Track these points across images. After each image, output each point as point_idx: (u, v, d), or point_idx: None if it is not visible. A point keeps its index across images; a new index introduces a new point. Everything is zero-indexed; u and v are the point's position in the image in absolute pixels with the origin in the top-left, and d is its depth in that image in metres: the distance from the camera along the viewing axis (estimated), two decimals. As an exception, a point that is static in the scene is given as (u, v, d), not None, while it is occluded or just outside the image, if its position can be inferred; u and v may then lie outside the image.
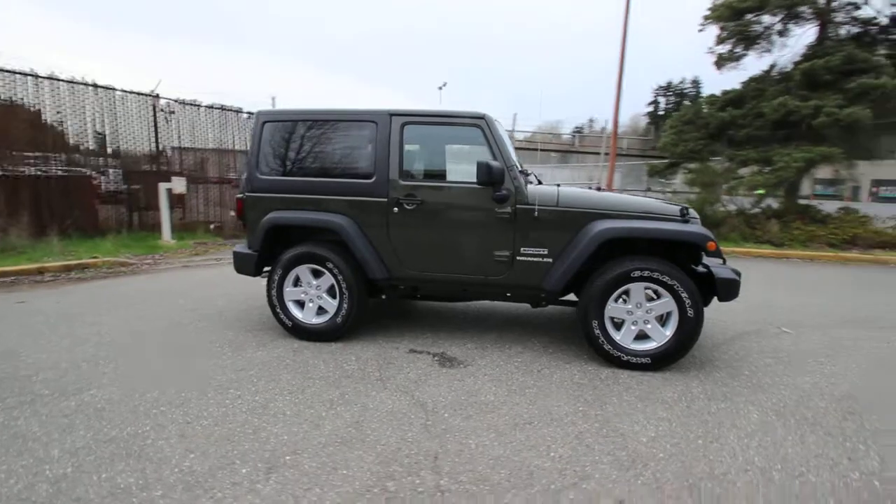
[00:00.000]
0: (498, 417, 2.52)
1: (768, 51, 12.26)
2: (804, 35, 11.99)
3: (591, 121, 68.44)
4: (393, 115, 3.43)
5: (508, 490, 1.92)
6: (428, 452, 2.17)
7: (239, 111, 10.19)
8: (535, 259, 3.30)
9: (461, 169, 3.51)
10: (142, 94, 8.62)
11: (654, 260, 3.10)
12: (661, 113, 60.76)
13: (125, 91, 8.37)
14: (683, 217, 3.23)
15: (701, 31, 12.80)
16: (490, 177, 3.13)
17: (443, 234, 3.42)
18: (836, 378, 3.15)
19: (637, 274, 3.07)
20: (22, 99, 7.13)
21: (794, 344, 3.82)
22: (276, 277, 3.57)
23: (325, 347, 3.48)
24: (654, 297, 3.15)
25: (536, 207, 3.26)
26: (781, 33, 12.04)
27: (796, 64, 11.09)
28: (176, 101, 9.14)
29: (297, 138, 3.63)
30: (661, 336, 3.12)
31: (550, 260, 3.29)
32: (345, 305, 3.49)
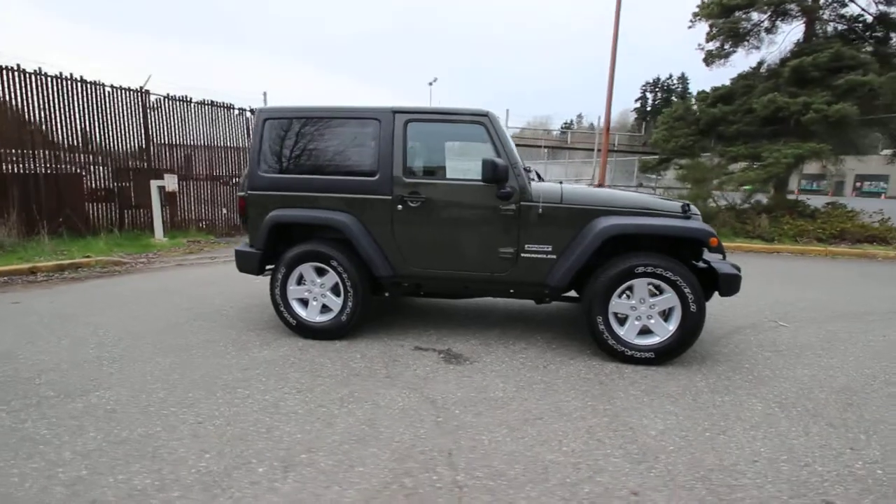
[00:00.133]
0: (508, 413, 2.54)
1: (756, 48, 12.44)
2: (791, 32, 12.20)
3: (579, 117, 68.83)
4: (396, 112, 3.42)
5: (525, 484, 1.95)
6: (442, 449, 2.19)
7: (230, 107, 10.07)
8: (540, 256, 3.33)
9: (465, 166, 3.52)
10: (131, 90, 8.48)
11: (658, 256, 3.14)
12: (648, 109, 61.34)
13: (114, 87, 8.22)
14: (685, 213, 3.28)
15: (690, 27, 12.94)
16: (495, 174, 3.14)
17: (447, 231, 3.43)
18: (833, 370, 3.22)
19: (641, 270, 3.11)
20: (9, 95, 6.97)
21: (792, 337, 3.90)
22: (280, 276, 3.55)
23: (330, 345, 3.48)
24: (657, 292, 3.19)
25: (540, 204, 3.28)
26: (769, 30, 12.21)
27: (785, 61, 11.25)
28: (166, 97, 9.01)
29: (299, 136, 3.61)
30: (665, 331, 3.17)
31: (554, 256, 3.31)
32: (350, 303, 3.49)
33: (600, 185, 5.90)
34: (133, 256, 6.96)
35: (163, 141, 9.09)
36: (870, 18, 11.46)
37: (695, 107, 12.67)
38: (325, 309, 3.60)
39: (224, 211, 10.11)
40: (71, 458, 2.06)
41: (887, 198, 34.51)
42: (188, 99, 9.33)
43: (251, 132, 4.38)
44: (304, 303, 3.63)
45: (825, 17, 11.78)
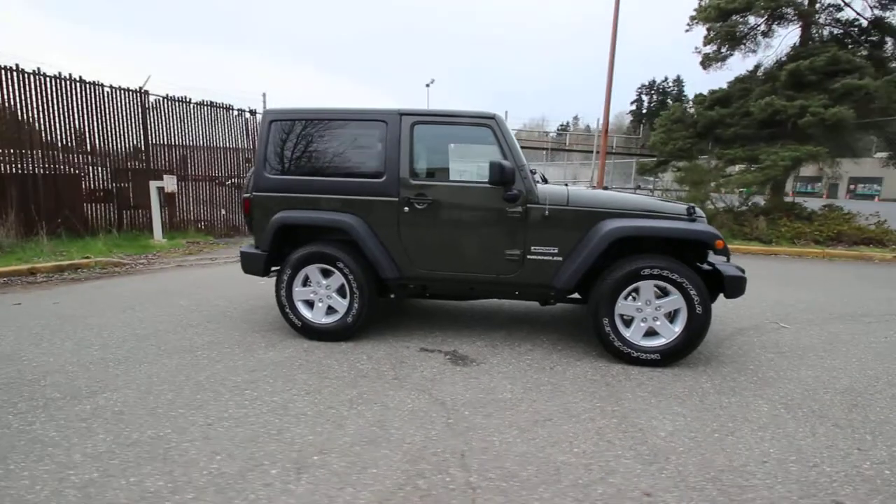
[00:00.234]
0: (517, 415, 2.55)
1: (753, 51, 12.55)
2: (788, 36, 12.30)
3: (576, 118, 69.04)
4: (403, 114, 3.43)
5: (538, 485, 1.96)
6: (454, 450, 2.19)
7: (229, 108, 10.05)
8: (546, 258, 3.34)
9: (471, 168, 3.53)
10: (130, 90, 8.45)
11: (664, 258, 3.16)
12: (644, 111, 61.63)
13: (113, 87, 8.19)
14: (690, 216, 3.30)
15: (688, 31, 13.03)
16: (502, 176, 3.15)
17: (454, 233, 3.43)
18: (836, 372, 3.25)
19: (647, 272, 3.13)
20: (7, 95, 6.93)
21: (794, 339, 3.93)
22: (286, 277, 3.55)
23: (336, 347, 3.48)
24: (663, 294, 3.21)
25: (547, 207, 3.29)
26: (766, 34, 12.32)
27: (782, 64, 11.34)
28: (165, 97, 8.98)
29: (305, 137, 3.61)
30: (671, 332, 3.19)
31: (561, 258, 3.33)
32: (356, 305, 3.49)
33: (603, 187, 5.92)
34: (133, 257, 6.93)
35: (162, 141, 9.06)
36: (865, 23, 11.59)
37: (692, 110, 12.75)
38: (330, 310, 3.60)
39: (223, 212, 10.07)
40: (81, 461, 2.05)
41: (881, 200, 34.85)
42: (187, 99, 9.30)
43: (258, 133, 4.39)
44: (310, 304, 3.62)
45: (821, 21, 11.89)
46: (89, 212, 8.01)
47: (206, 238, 9.09)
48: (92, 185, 8.12)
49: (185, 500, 1.82)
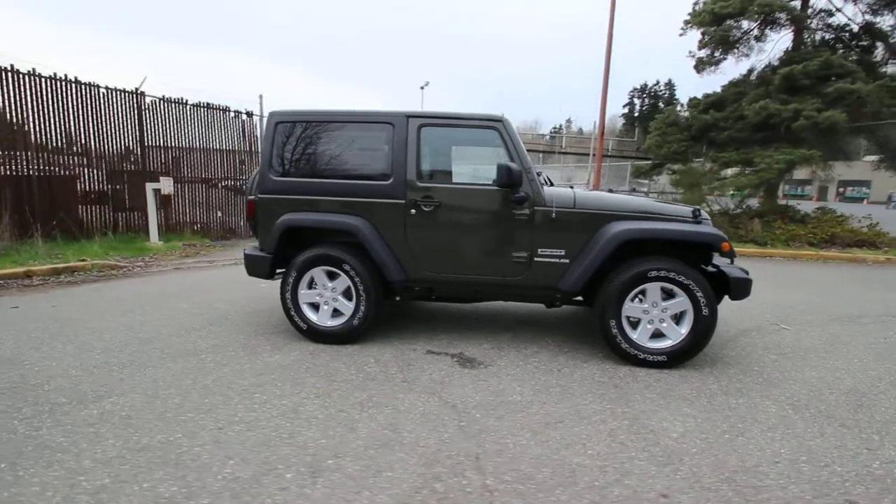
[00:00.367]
0: (529, 417, 2.55)
1: (746, 55, 12.68)
2: (780, 41, 12.44)
3: (568, 121, 69.35)
4: (410, 116, 3.43)
5: (555, 488, 1.95)
6: (469, 453, 2.19)
7: (226, 110, 9.99)
8: (553, 260, 3.35)
9: (478, 171, 3.53)
10: (126, 91, 8.37)
11: (670, 260, 3.17)
12: (636, 115, 62.07)
13: (109, 88, 8.11)
14: (696, 218, 3.32)
15: (682, 35, 13.14)
16: (509, 179, 3.16)
17: (461, 235, 3.43)
18: (839, 372, 3.28)
19: (654, 274, 3.14)
20: (1, 96, 6.84)
21: (795, 340, 3.97)
22: (291, 280, 3.53)
23: (342, 350, 3.46)
24: (669, 296, 3.23)
25: (554, 209, 3.30)
26: (759, 38, 12.46)
27: (776, 68, 11.47)
28: (162, 98, 8.91)
29: (310, 139, 3.60)
30: (677, 334, 3.20)
31: (567, 261, 3.33)
32: (362, 307, 3.47)
33: (608, 190, 5.94)
34: (129, 260, 6.86)
35: (158, 143, 8.98)
36: (856, 28, 11.76)
37: (685, 113, 12.85)
38: (336, 313, 3.58)
39: (219, 214, 10.00)
40: (92, 466, 2.03)
41: (869, 203, 35.34)
42: (184, 101, 9.24)
43: (256, 135, 4.36)
44: (315, 307, 3.60)
45: (813, 26, 12.05)
46: (84, 214, 7.92)
47: (202, 240, 9.02)
48: (87, 187, 8.03)
49: (200, 505, 1.80)
